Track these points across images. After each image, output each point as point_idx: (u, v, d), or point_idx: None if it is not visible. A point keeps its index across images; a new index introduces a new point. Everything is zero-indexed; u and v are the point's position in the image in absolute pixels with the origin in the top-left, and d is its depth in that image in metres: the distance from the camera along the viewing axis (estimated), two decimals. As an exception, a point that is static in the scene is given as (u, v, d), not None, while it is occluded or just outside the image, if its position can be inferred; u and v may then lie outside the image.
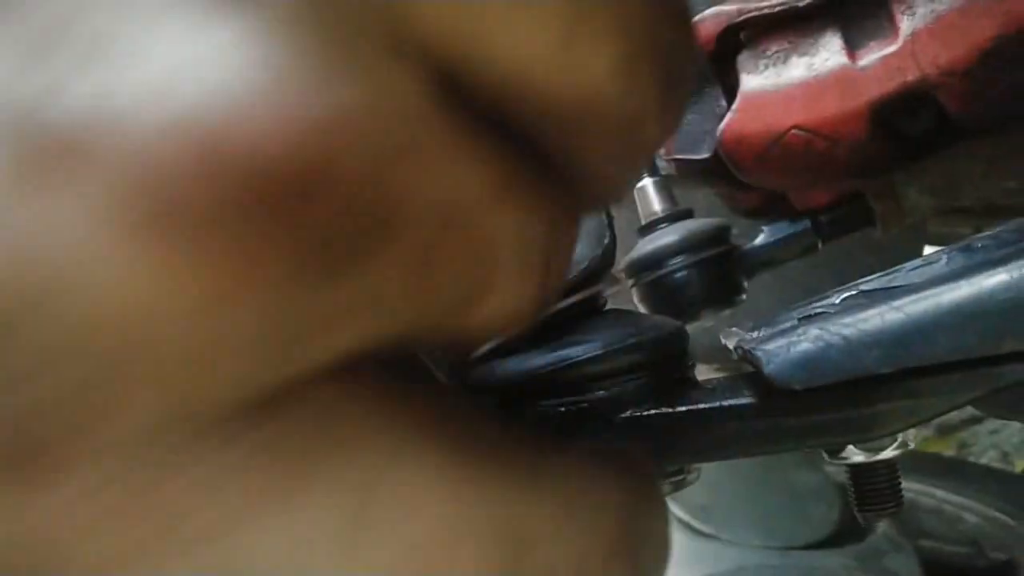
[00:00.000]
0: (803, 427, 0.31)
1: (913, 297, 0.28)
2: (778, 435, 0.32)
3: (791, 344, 0.29)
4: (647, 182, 0.65)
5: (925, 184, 0.59)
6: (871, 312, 0.29)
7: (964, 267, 0.29)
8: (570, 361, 0.32)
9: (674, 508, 1.53)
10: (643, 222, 0.65)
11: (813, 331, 0.28)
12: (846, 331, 0.28)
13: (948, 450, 2.15)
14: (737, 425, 0.32)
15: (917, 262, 0.40)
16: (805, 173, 0.59)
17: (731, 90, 0.61)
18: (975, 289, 0.26)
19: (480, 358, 0.35)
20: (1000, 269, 0.27)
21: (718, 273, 0.62)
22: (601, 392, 0.32)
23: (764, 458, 1.50)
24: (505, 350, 0.35)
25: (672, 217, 0.64)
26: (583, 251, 0.35)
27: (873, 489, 0.35)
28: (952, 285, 0.27)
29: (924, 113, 0.57)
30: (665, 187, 0.65)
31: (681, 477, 0.36)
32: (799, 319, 0.34)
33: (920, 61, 0.54)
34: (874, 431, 0.31)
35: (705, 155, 0.63)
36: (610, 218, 0.37)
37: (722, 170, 0.63)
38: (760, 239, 0.62)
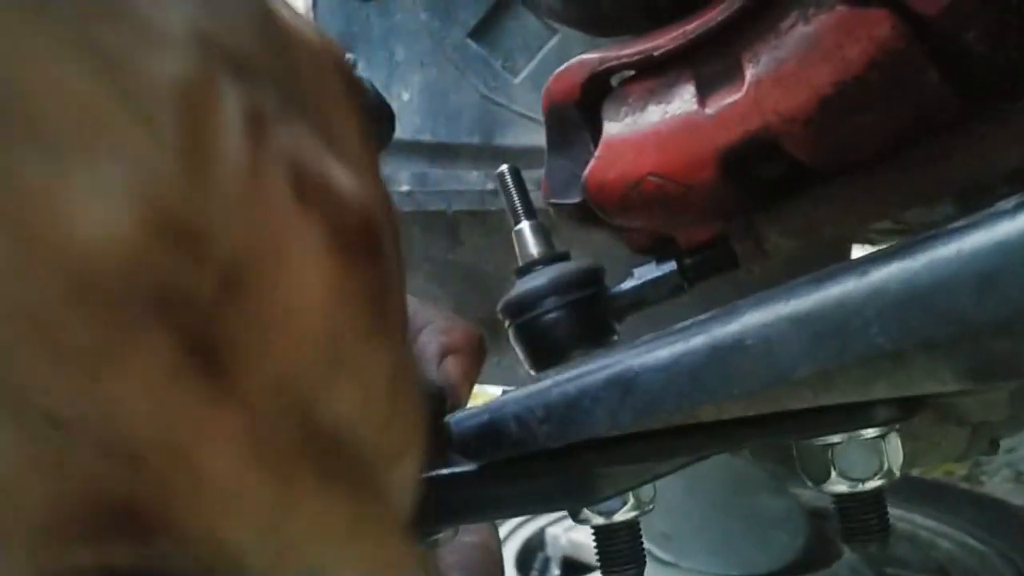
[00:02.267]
0: (519, 494, 0.32)
1: (578, 371, 0.29)
2: (498, 501, 0.32)
3: (479, 418, 0.29)
4: (524, 226, 0.66)
5: (785, 226, 0.60)
6: (543, 385, 0.29)
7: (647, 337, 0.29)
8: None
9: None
10: (520, 264, 0.66)
11: (499, 404, 0.29)
12: (521, 405, 0.29)
13: (962, 469, 2.13)
14: (458, 492, 0.32)
15: (693, 320, 0.41)
16: (665, 217, 0.60)
17: (598, 136, 0.62)
18: (625, 368, 0.27)
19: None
20: (655, 343, 0.27)
21: (587, 315, 0.62)
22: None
23: (728, 483, 1.50)
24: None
25: (547, 260, 0.65)
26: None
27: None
28: (612, 359, 0.28)
29: (776, 158, 0.58)
30: (541, 230, 0.66)
31: (433, 538, 0.37)
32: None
33: (763, 109, 0.55)
34: (588, 496, 0.32)
35: (576, 199, 0.64)
36: None
37: (593, 213, 0.64)
38: (628, 282, 0.63)
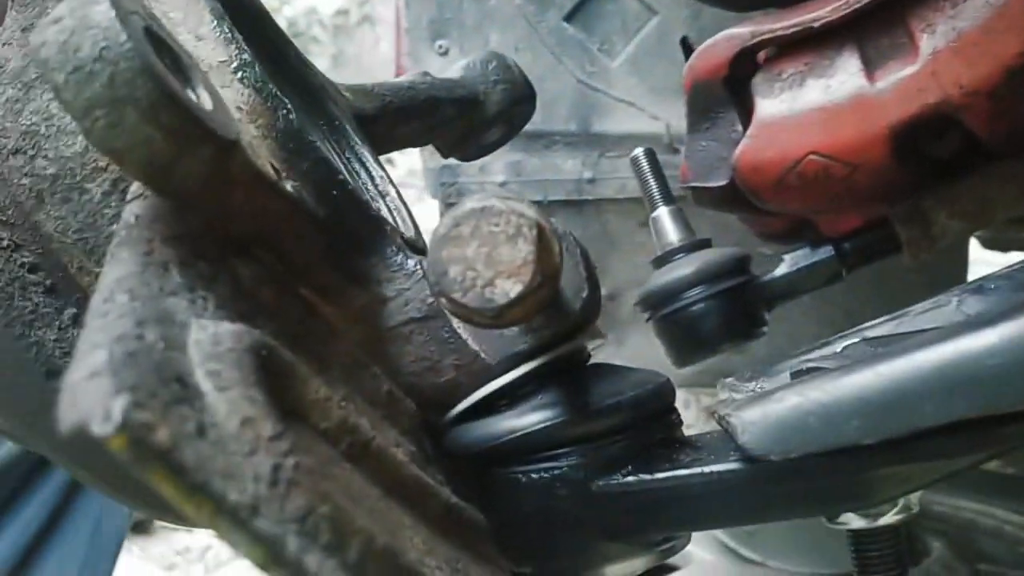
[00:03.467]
0: (790, 496, 0.29)
1: (899, 360, 0.26)
2: (763, 504, 0.29)
3: (767, 412, 0.26)
4: (662, 211, 0.63)
5: (955, 208, 0.56)
6: (854, 376, 0.26)
7: (967, 319, 0.26)
8: (522, 433, 0.30)
9: (721, 535, 1.49)
10: (658, 253, 0.62)
11: (792, 397, 0.26)
12: (825, 398, 0.26)
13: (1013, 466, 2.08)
14: (719, 494, 0.29)
15: (927, 304, 0.38)
16: (825, 200, 0.56)
17: (747, 115, 0.59)
18: (961, 353, 0.24)
19: (456, 419, 0.34)
20: (990, 329, 0.24)
21: (737, 305, 0.59)
22: (575, 458, 0.30)
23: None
24: (483, 409, 0.33)
25: (688, 247, 0.61)
26: (563, 305, 0.33)
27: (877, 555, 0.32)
28: (939, 347, 0.25)
29: (951, 135, 0.54)
30: (680, 216, 0.63)
31: (670, 545, 0.34)
32: (792, 373, 0.32)
33: (942, 82, 0.51)
34: (868, 498, 0.29)
35: (721, 182, 0.60)
36: (590, 271, 0.35)
37: (739, 197, 0.60)
38: (780, 269, 0.60)
